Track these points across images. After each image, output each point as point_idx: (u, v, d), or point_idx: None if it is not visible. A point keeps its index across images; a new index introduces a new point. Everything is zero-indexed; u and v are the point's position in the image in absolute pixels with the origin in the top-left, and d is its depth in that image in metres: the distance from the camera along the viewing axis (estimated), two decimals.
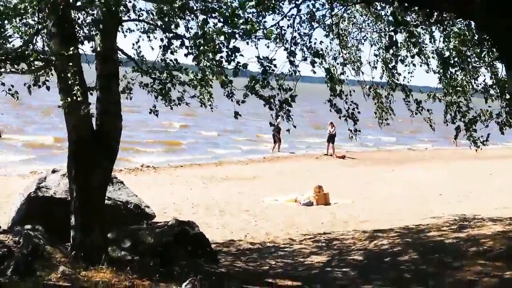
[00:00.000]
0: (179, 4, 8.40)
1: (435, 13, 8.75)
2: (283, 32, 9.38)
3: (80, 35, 8.77)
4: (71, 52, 7.66)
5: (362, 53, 13.12)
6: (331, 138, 32.85)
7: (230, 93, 9.01)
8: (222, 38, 7.63)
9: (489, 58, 11.75)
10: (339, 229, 14.46)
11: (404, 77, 12.38)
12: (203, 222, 13.61)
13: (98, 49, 8.55)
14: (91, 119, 8.73)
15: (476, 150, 12.47)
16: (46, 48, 9.11)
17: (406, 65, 12.15)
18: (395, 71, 12.29)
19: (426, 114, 12.24)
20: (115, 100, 8.77)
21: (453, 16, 10.11)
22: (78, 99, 7.66)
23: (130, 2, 8.99)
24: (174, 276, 8.42)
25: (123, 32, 10.19)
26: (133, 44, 10.45)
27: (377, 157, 34.23)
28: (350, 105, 10.60)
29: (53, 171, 12.07)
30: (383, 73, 12.54)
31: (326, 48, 12.03)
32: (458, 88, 11.96)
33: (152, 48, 9.85)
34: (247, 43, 8.51)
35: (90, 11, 8.65)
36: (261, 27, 8.78)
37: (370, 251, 11.30)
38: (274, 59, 7.90)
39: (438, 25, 10.80)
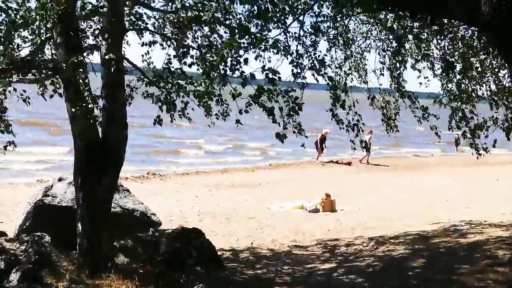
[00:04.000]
0: (189, 16, 8.47)
1: (439, 19, 8.76)
2: (288, 44, 9.39)
3: (86, 44, 8.83)
4: (80, 59, 7.70)
5: (367, 61, 13.15)
6: (367, 146, 32.63)
7: (224, 112, 9.15)
8: (229, 49, 7.66)
9: (494, 65, 11.77)
10: (345, 235, 14.46)
11: (420, 83, 12.39)
12: (209, 230, 13.62)
13: (104, 58, 8.59)
14: (97, 127, 8.77)
15: (477, 158, 12.50)
16: (54, 57, 9.16)
17: (414, 70, 12.18)
18: (401, 78, 12.32)
19: (433, 120, 12.27)
20: (120, 108, 8.81)
21: (457, 23, 10.12)
22: (89, 105, 7.70)
23: (136, 11, 9.10)
24: (180, 283, 8.44)
25: (143, 42, 10.27)
26: (143, 56, 10.51)
27: (383, 163, 34.17)
28: (354, 116, 10.63)
29: (60, 180, 12.11)
30: (391, 81, 12.54)
31: (331, 58, 12.07)
32: (463, 95, 11.97)
33: (169, 55, 9.91)
34: (256, 56, 8.56)
35: (95, 20, 8.72)
36: (266, 38, 8.80)
37: (376, 258, 11.28)
38: (278, 71, 7.90)
39: (442, 32, 10.81)
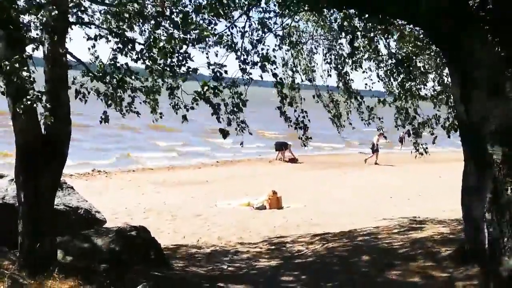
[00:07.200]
0: (133, 9, 8.35)
1: (383, 19, 8.86)
2: (234, 40, 9.37)
3: (27, 38, 8.58)
4: (24, 55, 7.49)
5: (314, 61, 13.25)
6: (373, 148, 34.52)
7: (176, 105, 9.13)
8: (172, 44, 7.61)
9: (437, 64, 12.01)
10: (291, 232, 14.56)
11: (366, 83, 12.52)
12: (154, 227, 13.53)
13: (47, 52, 8.40)
14: (39, 123, 8.56)
15: (416, 157, 12.83)
16: None
17: (364, 72, 12.30)
18: (348, 78, 12.45)
19: (378, 122, 12.49)
20: (63, 104, 8.62)
21: (401, 22, 10.28)
22: (35, 103, 7.48)
23: (80, 4, 8.91)
24: (125, 282, 8.34)
25: (88, 36, 10.07)
26: (89, 49, 10.31)
27: (329, 161, 34.55)
28: (301, 112, 10.71)
29: (1, 177, 11.81)
30: (338, 81, 12.67)
31: (281, 58, 12.13)
32: (407, 94, 12.17)
33: (114, 50, 9.69)
34: (201, 50, 8.52)
35: (38, 14, 8.48)
36: (212, 33, 8.77)
37: (321, 255, 11.39)
38: (225, 65, 7.90)
39: (389, 31, 10.95)
